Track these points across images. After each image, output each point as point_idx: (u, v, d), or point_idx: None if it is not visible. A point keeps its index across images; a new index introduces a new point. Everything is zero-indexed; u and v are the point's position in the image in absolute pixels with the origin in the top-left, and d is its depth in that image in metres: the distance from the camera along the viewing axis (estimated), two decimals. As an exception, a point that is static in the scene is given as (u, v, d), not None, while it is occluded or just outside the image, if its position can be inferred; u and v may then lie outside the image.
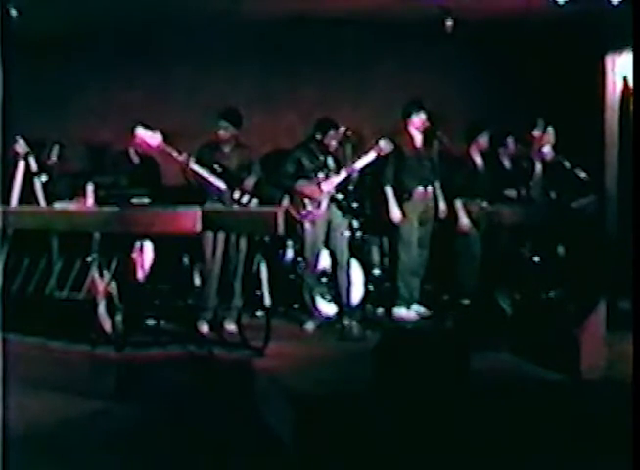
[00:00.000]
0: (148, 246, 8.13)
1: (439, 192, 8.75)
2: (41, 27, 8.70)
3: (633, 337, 5.30)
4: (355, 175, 8.23)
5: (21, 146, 8.04)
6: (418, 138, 8.64)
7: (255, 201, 8.00)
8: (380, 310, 8.75)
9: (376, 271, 9.16)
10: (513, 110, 9.51)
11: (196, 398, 6.45)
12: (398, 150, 8.44)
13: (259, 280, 7.53)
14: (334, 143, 8.19)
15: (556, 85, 9.39)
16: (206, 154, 7.99)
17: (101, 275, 7.37)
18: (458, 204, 8.69)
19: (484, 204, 8.70)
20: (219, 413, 6.21)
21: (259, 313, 8.25)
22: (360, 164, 8.13)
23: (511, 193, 8.96)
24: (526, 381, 6.30)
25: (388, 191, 8.49)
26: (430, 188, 8.65)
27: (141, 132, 7.74)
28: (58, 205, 8.04)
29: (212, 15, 8.92)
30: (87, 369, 6.89)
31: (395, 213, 8.45)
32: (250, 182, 8.00)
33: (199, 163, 7.82)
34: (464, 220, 8.66)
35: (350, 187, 8.26)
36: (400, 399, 5.52)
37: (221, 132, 8.00)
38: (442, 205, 8.74)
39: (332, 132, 8.15)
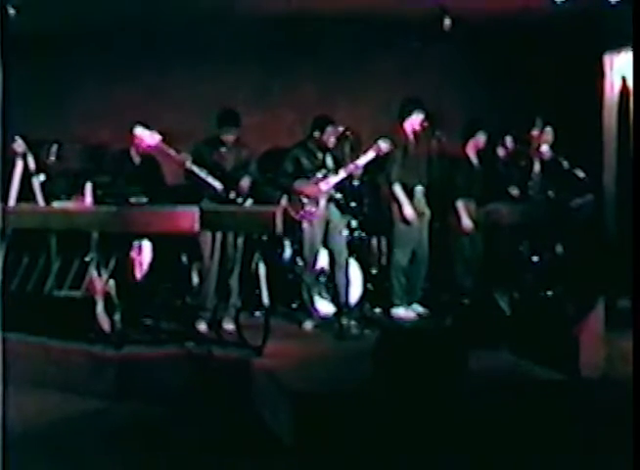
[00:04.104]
0: (146, 245, 8.13)
1: (437, 191, 8.74)
2: (39, 26, 8.71)
3: (633, 335, 5.30)
4: (358, 172, 8.23)
5: (19, 145, 8.03)
6: (415, 137, 8.63)
7: (250, 201, 7.99)
8: (378, 310, 8.74)
9: (374, 270, 9.15)
10: (511, 109, 9.51)
11: (194, 397, 6.46)
12: (402, 148, 8.43)
13: (257, 279, 7.53)
14: (333, 139, 8.18)
15: (554, 84, 9.40)
16: (204, 152, 7.98)
17: (99, 274, 7.37)
18: (460, 204, 8.67)
19: (473, 205, 8.69)
20: (217, 412, 6.22)
21: (258, 312, 8.25)
22: (359, 163, 8.11)
23: (514, 191, 8.97)
24: (525, 380, 6.31)
25: (397, 188, 8.44)
26: (428, 186, 8.64)
27: (140, 132, 7.75)
28: (56, 204, 8.04)
29: (211, 14, 8.92)
30: (86, 368, 6.90)
31: (408, 211, 8.39)
32: (245, 183, 7.98)
33: (196, 159, 7.81)
34: (466, 221, 8.65)
35: (350, 185, 8.25)
36: (399, 399, 5.52)
37: (225, 137, 7.99)
38: (426, 209, 8.72)
39: (330, 129, 8.14)
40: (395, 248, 8.56)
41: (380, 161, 8.33)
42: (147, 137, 7.75)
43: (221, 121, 8.01)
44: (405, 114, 8.57)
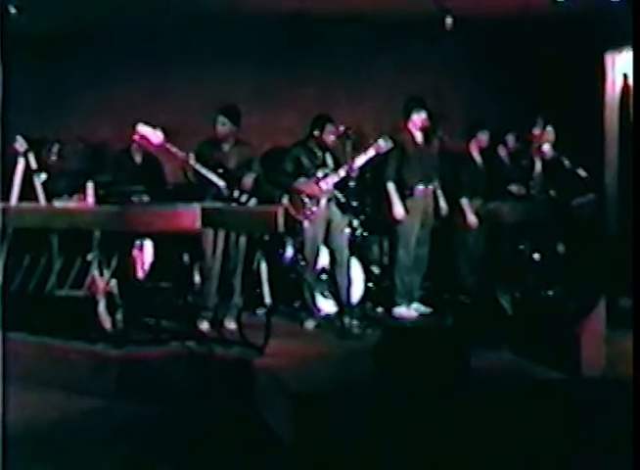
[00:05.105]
0: (148, 244, 8.13)
1: (440, 190, 8.75)
2: (41, 25, 8.72)
3: (633, 335, 5.30)
4: (354, 174, 8.22)
5: (21, 144, 8.03)
6: (419, 136, 8.63)
7: (254, 200, 7.98)
8: (380, 309, 8.74)
9: (376, 269, 9.15)
10: (512, 108, 9.51)
11: (195, 396, 6.46)
12: (400, 147, 8.43)
13: (259, 278, 7.54)
14: (332, 138, 8.18)
15: (556, 83, 9.39)
16: (206, 151, 7.96)
17: (101, 273, 7.37)
18: (465, 202, 8.68)
19: (478, 202, 8.70)
20: (219, 411, 6.22)
21: (259, 312, 8.26)
22: (359, 162, 8.11)
23: (514, 188, 8.97)
24: (526, 379, 6.31)
25: (391, 187, 8.46)
26: (431, 186, 8.65)
27: (143, 129, 7.74)
28: (58, 203, 8.04)
29: (212, 13, 8.93)
30: (87, 367, 6.90)
31: (398, 210, 8.43)
32: (248, 180, 7.97)
33: (198, 159, 7.80)
34: (472, 218, 8.67)
35: (351, 184, 8.25)
36: (401, 398, 5.52)
37: (219, 127, 7.97)
38: (443, 203, 8.73)
39: (329, 127, 8.15)
40: (398, 247, 8.57)
41: (380, 159, 8.34)
42: (150, 135, 7.74)
43: (218, 112, 8.00)
44: (406, 113, 8.58)
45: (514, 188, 8.99)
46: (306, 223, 8.08)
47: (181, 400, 6.41)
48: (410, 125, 8.59)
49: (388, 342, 5.94)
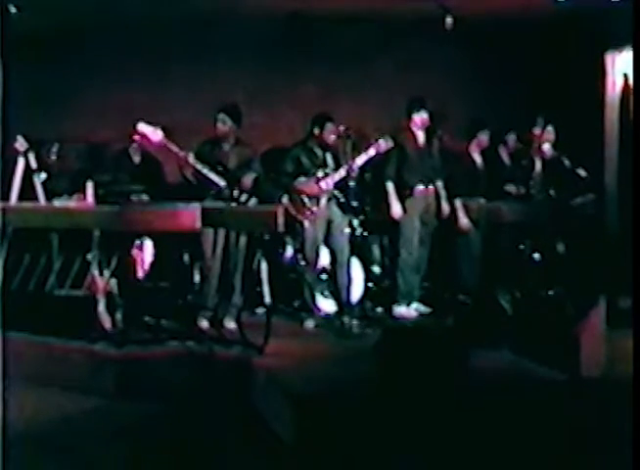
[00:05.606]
0: (148, 243, 8.13)
1: (442, 190, 8.74)
2: (41, 25, 8.72)
3: (633, 335, 5.30)
4: (354, 173, 8.22)
5: (21, 144, 8.03)
6: (420, 136, 8.64)
7: (254, 200, 7.98)
8: (380, 308, 8.74)
9: (376, 269, 9.15)
10: (513, 107, 9.51)
11: (195, 395, 6.46)
12: (400, 147, 8.44)
13: (259, 278, 7.54)
14: (332, 137, 8.18)
15: (556, 83, 9.39)
16: (207, 151, 7.97)
17: (101, 273, 7.37)
18: (458, 203, 8.68)
19: (482, 201, 8.70)
20: (218, 411, 6.22)
21: (259, 311, 8.26)
22: (359, 161, 8.11)
23: (511, 188, 8.96)
24: (526, 379, 6.31)
25: (390, 187, 8.47)
26: (431, 186, 8.65)
27: (143, 128, 7.73)
28: (57, 202, 8.04)
29: (212, 12, 8.93)
30: (87, 367, 6.90)
31: (396, 209, 8.44)
32: (247, 179, 7.96)
33: (198, 159, 7.80)
34: (464, 220, 8.65)
35: (351, 183, 8.24)
36: (400, 398, 5.52)
37: (220, 126, 7.96)
38: (445, 203, 8.72)
39: (329, 126, 8.15)
40: (399, 247, 8.56)
41: (380, 159, 8.34)
42: (150, 133, 7.73)
43: (217, 110, 8.00)
44: (409, 112, 8.58)
45: (512, 188, 8.98)
46: (306, 223, 8.08)
47: (181, 400, 6.41)
48: (412, 125, 8.59)
49: (388, 342, 5.93)
